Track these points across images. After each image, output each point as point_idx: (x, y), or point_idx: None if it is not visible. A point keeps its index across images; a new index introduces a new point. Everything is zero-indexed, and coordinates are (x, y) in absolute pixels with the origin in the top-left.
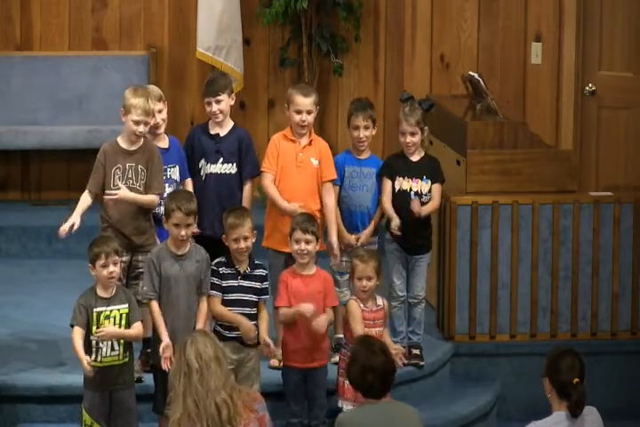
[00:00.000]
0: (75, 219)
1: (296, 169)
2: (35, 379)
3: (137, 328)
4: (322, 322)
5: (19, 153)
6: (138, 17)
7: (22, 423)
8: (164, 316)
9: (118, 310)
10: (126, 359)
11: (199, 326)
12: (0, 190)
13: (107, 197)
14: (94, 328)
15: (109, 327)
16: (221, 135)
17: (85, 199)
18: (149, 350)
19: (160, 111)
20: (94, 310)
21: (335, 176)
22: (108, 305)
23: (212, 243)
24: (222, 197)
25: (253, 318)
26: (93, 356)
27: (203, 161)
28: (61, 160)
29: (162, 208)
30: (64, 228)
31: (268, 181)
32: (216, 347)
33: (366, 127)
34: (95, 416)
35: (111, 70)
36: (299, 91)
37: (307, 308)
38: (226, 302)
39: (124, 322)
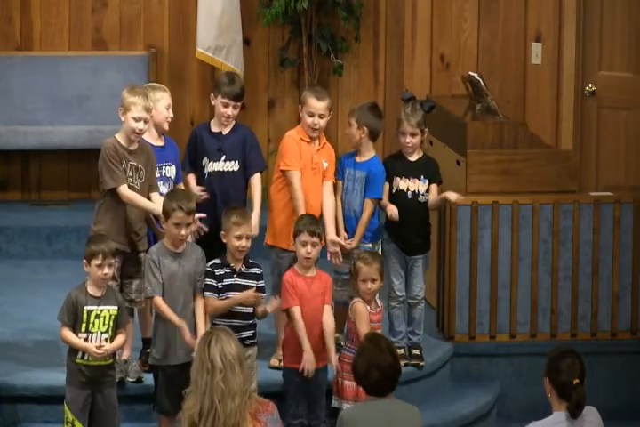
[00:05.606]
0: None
1: (311, 171)
2: (35, 379)
3: (122, 337)
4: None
5: (19, 153)
6: (138, 17)
7: (22, 423)
8: None
9: (108, 310)
10: (111, 360)
11: (200, 328)
12: (0, 190)
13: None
14: (84, 326)
15: (107, 346)
16: (224, 133)
17: (136, 195)
18: (149, 350)
19: (168, 107)
20: (85, 307)
21: (334, 180)
22: (98, 304)
23: (211, 240)
24: (224, 194)
25: (250, 316)
26: (80, 354)
27: (205, 159)
28: (61, 160)
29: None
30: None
31: (296, 179)
32: (238, 346)
33: (350, 124)
34: (77, 413)
35: (111, 70)
36: (313, 93)
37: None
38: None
39: (112, 324)
